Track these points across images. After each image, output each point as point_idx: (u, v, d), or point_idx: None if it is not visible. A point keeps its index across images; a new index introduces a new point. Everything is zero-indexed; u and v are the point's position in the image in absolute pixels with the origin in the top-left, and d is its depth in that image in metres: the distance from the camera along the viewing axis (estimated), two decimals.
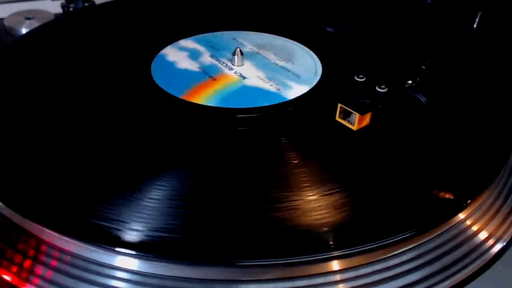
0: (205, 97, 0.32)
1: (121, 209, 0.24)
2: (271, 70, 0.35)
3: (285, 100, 0.32)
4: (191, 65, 0.36)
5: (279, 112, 0.31)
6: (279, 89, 0.33)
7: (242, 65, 0.36)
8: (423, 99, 0.31)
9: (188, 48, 0.38)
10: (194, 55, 0.37)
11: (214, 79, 0.34)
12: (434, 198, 0.25)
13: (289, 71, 0.35)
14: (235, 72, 0.35)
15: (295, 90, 0.33)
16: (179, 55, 0.37)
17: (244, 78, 0.34)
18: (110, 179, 0.26)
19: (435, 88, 0.32)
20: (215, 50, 0.38)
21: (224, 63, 0.36)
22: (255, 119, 0.30)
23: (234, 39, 0.40)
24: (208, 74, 0.35)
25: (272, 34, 0.40)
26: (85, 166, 0.27)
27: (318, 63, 0.36)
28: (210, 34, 0.40)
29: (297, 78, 0.34)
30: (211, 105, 0.31)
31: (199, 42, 0.39)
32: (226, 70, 0.35)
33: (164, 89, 0.33)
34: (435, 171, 0.27)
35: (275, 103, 0.32)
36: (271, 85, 0.34)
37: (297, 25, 0.42)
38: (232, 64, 0.36)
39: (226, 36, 0.40)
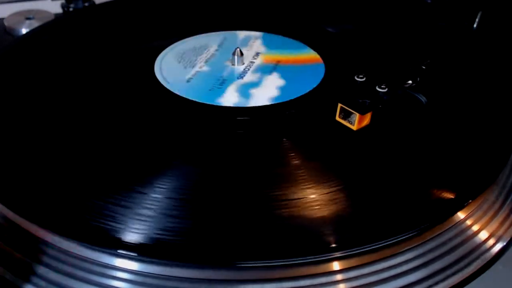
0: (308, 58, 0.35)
1: (121, 210, 0.24)
2: (230, 48, 0.36)
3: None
4: (275, 82, 0.34)
5: (280, 113, 0.31)
6: (257, 38, 0.36)
7: (244, 63, 0.36)
8: (423, 99, 0.31)
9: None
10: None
11: (278, 61, 0.36)
12: (434, 198, 0.25)
13: (225, 39, 0.38)
14: (255, 58, 0.36)
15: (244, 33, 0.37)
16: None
17: (259, 53, 0.37)
18: (110, 179, 0.26)
19: (435, 88, 0.32)
20: (225, 80, 0.35)
21: (245, 68, 0.36)
22: (255, 119, 0.30)
23: (189, 80, 0.35)
24: (275, 65, 0.36)
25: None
26: (85, 166, 0.27)
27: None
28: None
29: (228, 38, 0.38)
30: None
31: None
32: (258, 63, 0.36)
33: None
34: (435, 171, 0.27)
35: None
36: (254, 42, 0.37)
37: (298, 25, 0.42)
38: (233, 64, 0.36)
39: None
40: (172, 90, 0.33)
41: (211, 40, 0.39)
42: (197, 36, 0.40)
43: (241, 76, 0.35)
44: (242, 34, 0.40)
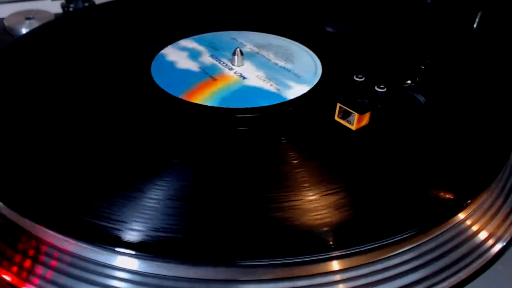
0: (205, 97, 0.32)
1: (121, 209, 0.24)
2: (271, 70, 0.35)
3: (284, 100, 0.32)
4: (191, 65, 0.36)
5: (279, 112, 0.31)
6: (278, 89, 0.33)
7: (242, 65, 0.36)
8: (422, 99, 0.31)
9: (188, 48, 0.38)
10: (194, 55, 0.37)
11: (214, 79, 0.34)
12: (434, 198, 0.25)
13: (289, 71, 0.35)
14: (235, 72, 0.35)
15: (295, 90, 0.33)
16: (179, 55, 0.37)
17: (244, 78, 0.34)
18: (110, 179, 0.26)
19: (434, 88, 0.32)
20: (215, 50, 0.38)
21: (224, 63, 0.36)
22: (255, 119, 0.30)
23: (234, 39, 0.40)
24: (208, 74, 0.35)
25: (272, 34, 0.40)
26: (85, 166, 0.27)
27: (318, 62, 0.36)
28: (210, 34, 0.40)
29: (297, 78, 0.34)
30: (211, 105, 0.31)
31: (199, 42, 0.39)
32: (226, 70, 0.35)
33: (164, 89, 0.33)
34: (435, 171, 0.27)
35: (274, 103, 0.32)
36: (271, 85, 0.34)
37: (297, 25, 0.42)
38: (232, 64, 0.36)
39: (225, 36, 0.40)
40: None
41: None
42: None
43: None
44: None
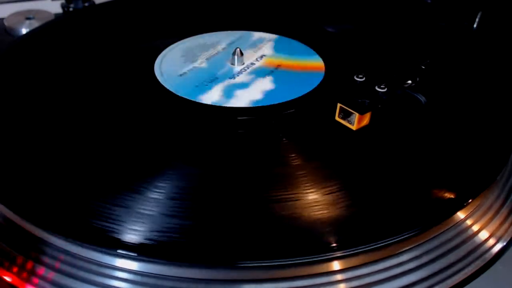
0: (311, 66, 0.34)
1: (122, 210, 0.24)
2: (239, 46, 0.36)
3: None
4: (262, 85, 0.33)
5: (279, 113, 0.31)
6: (270, 41, 0.37)
7: (243, 63, 0.36)
8: (422, 99, 0.31)
9: (223, 93, 0.33)
10: (238, 87, 0.33)
11: (279, 65, 0.35)
12: (434, 197, 0.25)
13: (240, 38, 0.38)
14: (257, 60, 0.36)
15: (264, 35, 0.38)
16: (242, 95, 0.33)
17: (264, 55, 0.37)
18: (110, 179, 0.26)
19: (434, 88, 0.32)
20: (217, 78, 0.34)
21: (241, 69, 0.35)
22: (255, 119, 0.30)
23: (182, 75, 0.35)
24: (273, 69, 0.35)
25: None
26: (85, 167, 0.27)
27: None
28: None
29: (244, 37, 0.38)
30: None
31: (205, 89, 0.33)
32: (256, 66, 0.36)
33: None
34: (435, 170, 0.27)
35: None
36: (264, 44, 0.37)
37: (297, 25, 0.42)
38: (232, 64, 0.36)
39: (173, 74, 0.35)
40: (162, 83, 0.33)
41: (223, 38, 0.39)
42: (211, 33, 0.40)
43: (234, 76, 0.34)
44: (256, 35, 0.40)
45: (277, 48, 0.38)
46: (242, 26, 0.41)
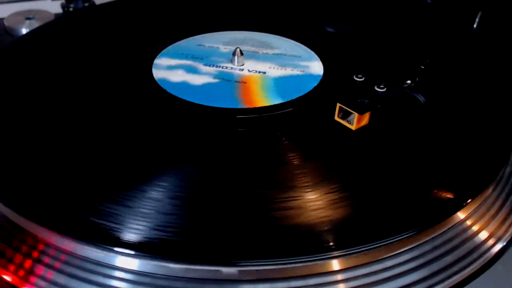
0: (262, 98, 0.32)
1: (121, 209, 0.24)
2: (271, 59, 0.36)
3: (319, 77, 0.34)
4: (204, 79, 0.34)
5: (279, 113, 0.31)
6: (303, 71, 0.34)
7: (243, 64, 0.36)
8: (421, 99, 0.31)
9: (175, 65, 0.35)
10: (191, 70, 0.35)
11: (244, 83, 0.34)
12: (434, 197, 0.25)
13: (285, 55, 0.36)
14: (249, 71, 0.35)
15: (315, 66, 0.35)
16: (178, 74, 0.34)
17: (264, 72, 0.35)
18: (109, 179, 0.26)
19: (434, 88, 0.32)
20: (200, 59, 0.36)
21: (227, 67, 0.36)
22: (255, 120, 0.30)
23: (201, 45, 0.38)
24: (233, 80, 0.34)
25: (238, 30, 0.40)
26: (84, 165, 0.27)
27: (296, 43, 0.38)
28: (173, 46, 0.38)
29: (300, 58, 0.35)
30: (275, 102, 0.31)
31: (179, 57, 0.36)
32: (240, 72, 0.35)
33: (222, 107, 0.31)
34: (435, 170, 0.27)
35: (317, 82, 0.33)
36: (292, 70, 0.35)
37: (297, 25, 0.42)
38: (233, 65, 0.36)
39: (192, 43, 0.39)
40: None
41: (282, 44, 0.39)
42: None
43: (212, 65, 0.35)
44: (306, 64, 0.36)
45: (283, 79, 0.34)
46: (242, 26, 0.41)
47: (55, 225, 0.24)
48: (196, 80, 0.34)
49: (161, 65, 0.35)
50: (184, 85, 0.33)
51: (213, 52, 0.37)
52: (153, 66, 0.35)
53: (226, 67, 0.36)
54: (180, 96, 0.32)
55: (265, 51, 0.37)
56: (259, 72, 0.35)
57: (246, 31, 0.40)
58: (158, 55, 0.37)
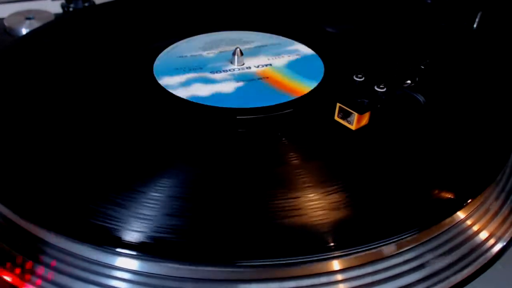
0: (298, 86, 0.33)
1: (122, 209, 0.24)
2: (259, 52, 0.37)
3: (316, 56, 0.36)
4: (231, 85, 0.33)
5: (279, 113, 0.31)
6: (298, 55, 0.36)
7: (243, 63, 0.36)
8: (421, 99, 0.31)
9: (186, 81, 0.34)
10: (206, 81, 0.34)
11: (267, 77, 0.34)
12: (434, 197, 0.25)
13: (266, 45, 0.38)
14: (256, 67, 0.35)
15: (302, 49, 0.37)
16: (207, 89, 0.33)
17: (270, 65, 0.36)
18: (110, 179, 0.26)
19: (434, 88, 0.32)
20: (200, 69, 0.35)
21: (233, 69, 0.35)
22: (255, 120, 0.30)
23: (182, 56, 0.37)
24: (256, 78, 0.34)
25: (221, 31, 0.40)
26: (85, 166, 0.27)
27: (264, 34, 0.39)
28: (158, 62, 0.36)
29: (280, 45, 0.38)
30: (312, 85, 0.33)
31: (178, 72, 0.35)
32: (251, 70, 0.35)
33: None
34: (435, 170, 0.27)
35: (319, 60, 0.36)
36: (289, 57, 0.36)
37: (297, 25, 0.42)
38: (236, 65, 0.36)
39: (172, 55, 0.37)
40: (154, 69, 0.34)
41: (259, 39, 0.39)
42: (250, 32, 0.40)
43: (214, 71, 0.35)
44: (295, 46, 0.38)
45: (291, 64, 0.36)
46: (241, 26, 0.41)
47: (55, 226, 0.24)
48: (224, 88, 0.33)
49: (173, 85, 0.33)
50: (217, 96, 0.32)
51: (202, 60, 0.36)
52: (165, 87, 0.33)
53: (233, 69, 0.35)
54: (224, 106, 0.31)
55: (244, 47, 0.37)
56: (266, 65, 0.35)
57: (212, 33, 0.40)
58: (157, 75, 0.34)
